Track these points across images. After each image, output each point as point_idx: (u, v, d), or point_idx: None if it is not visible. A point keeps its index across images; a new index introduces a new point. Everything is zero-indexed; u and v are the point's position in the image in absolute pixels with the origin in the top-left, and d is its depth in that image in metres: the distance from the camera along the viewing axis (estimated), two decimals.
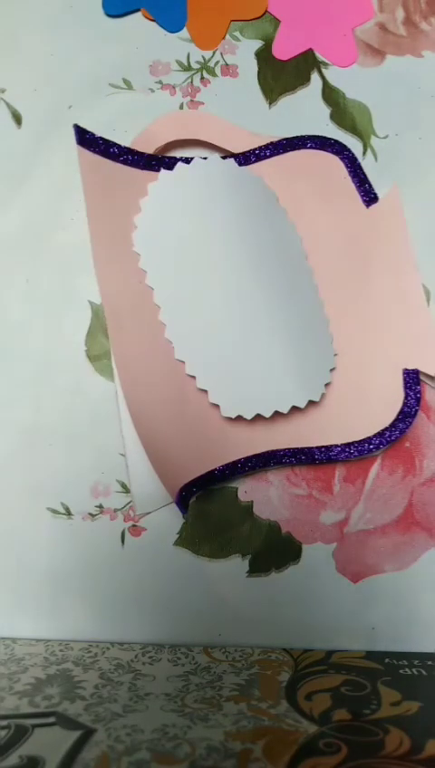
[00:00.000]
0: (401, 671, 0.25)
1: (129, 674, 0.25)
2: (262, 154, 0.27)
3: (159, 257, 0.26)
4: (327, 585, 0.27)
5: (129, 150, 0.27)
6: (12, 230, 0.28)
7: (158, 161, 0.27)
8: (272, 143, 0.28)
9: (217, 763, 0.19)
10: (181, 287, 0.26)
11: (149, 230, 0.26)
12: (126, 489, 0.27)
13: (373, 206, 0.27)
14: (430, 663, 0.26)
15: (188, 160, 0.27)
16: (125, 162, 0.27)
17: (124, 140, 0.27)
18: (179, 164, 0.27)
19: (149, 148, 0.27)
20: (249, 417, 0.26)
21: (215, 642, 0.27)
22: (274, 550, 0.27)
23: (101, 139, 0.27)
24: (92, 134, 0.27)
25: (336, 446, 0.27)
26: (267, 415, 0.26)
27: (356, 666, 0.25)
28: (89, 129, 0.27)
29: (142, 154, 0.27)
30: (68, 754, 0.19)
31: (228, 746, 0.20)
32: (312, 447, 0.27)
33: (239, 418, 0.26)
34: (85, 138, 0.27)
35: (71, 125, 0.28)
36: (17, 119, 0.28)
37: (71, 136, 0.27)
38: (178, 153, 0.28)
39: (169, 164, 0.27)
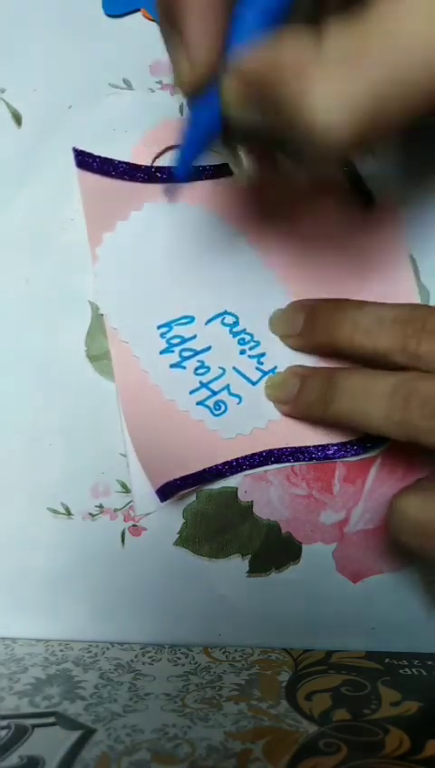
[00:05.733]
0: (401, 671, 0.25)
1: (129, 674, 0.25)
2: None
3: (119, 302, 0.27)
4: (327, 585, 0.27)
5: (130, 166, 0.27)
6: (12, 230, 0.28)
7: (160, 171, 0.27)
8: None
9: (217, 763, 0.19)
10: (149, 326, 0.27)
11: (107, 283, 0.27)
12: (126, 489, 0.27)
13: (370, 209, 0.27)
14: (430, 663, 0.26)
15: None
16: (127, 178, 0.27)
17: (124, 140, 0.27)
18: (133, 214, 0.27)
19: (150, 153, 0.27)
20: (249, 432, 0.27)
21: (215, 642, 0.27)
22: (274, 550, 0.27)
23: (100, 158, 0.27)
24: (91, 155, 0.27)
25: (333, 444, 0.27)
26: (263, 426, 0.27)
27: (356, 666, 0.25)
28: (88, 129, 0.27)
29: (142, 167, 0.27)
30: (68, 754, 0.19)
31: (228, 746, 0.20)
32: (309, 447, 0.27)
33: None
34: (85, 160, 0.27)
35: (71, 125, 0.28)
36: (17, 119, 0.28)
37: (71, 136, 0.27)
38: None
39: (172, 174, 0.27)
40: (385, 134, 0.17)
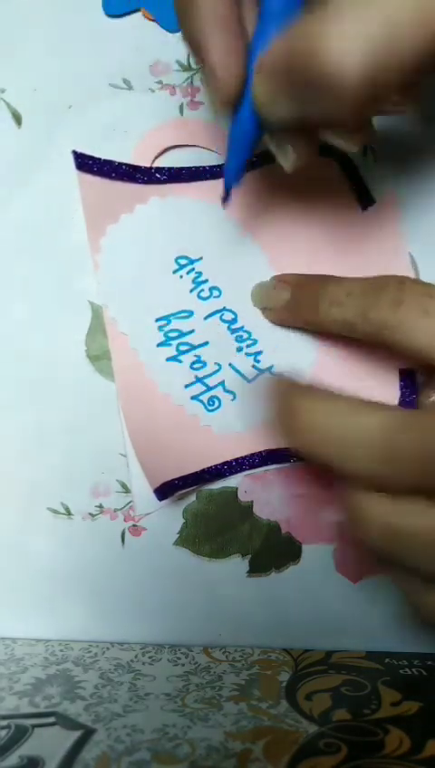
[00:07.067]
0: (401, 671, 0.25)
1: (129, 674, 0.25)
2: (257, 162, 0.27)
3: (125, 301, 0.27)
4: (327, 585, 0.27)
5: (129, 167, 0.27)
6: (12, 230, 0.28)
7: (160, 172, 0.27)
8: None
9: (217, 763, 0.19)
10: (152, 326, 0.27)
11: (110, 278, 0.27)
12: (126, 489, 0.27)
13: (369, 209, 0.27)
14: (429, 663, 0.26)
15: (179, 173, 0.27)
16: (127, 179, 0.27)
17: (124, 141, 0.27)
18: (123, 217, 0.27)
19: (150, 154, 0.27)
20: (243, 430, 0.27)
21: (215, 642, 0.27)
22: (274, 550, 0.27)
23: (99, 160, 0.27)
24: (91, 157, 0.27)
25: None
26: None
27: (356, 666, 0.25)
28: (88, 129, 0.27)
29: (142, 168, 0.27)
30: (68, 754, 0.19)
31: (228, 746, 0.20)
32: None
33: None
34: (85, 162, 0.27)
35: (71, 125, 0.28)
36: (17, 119, 0.28)
37: (71, 136, 0.27)
38: (178, 154, 0.28)
39: (172, 174, 0.27)
40: (397, 79, 0.17)
